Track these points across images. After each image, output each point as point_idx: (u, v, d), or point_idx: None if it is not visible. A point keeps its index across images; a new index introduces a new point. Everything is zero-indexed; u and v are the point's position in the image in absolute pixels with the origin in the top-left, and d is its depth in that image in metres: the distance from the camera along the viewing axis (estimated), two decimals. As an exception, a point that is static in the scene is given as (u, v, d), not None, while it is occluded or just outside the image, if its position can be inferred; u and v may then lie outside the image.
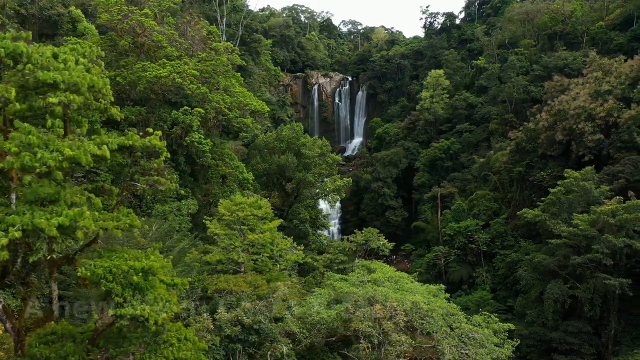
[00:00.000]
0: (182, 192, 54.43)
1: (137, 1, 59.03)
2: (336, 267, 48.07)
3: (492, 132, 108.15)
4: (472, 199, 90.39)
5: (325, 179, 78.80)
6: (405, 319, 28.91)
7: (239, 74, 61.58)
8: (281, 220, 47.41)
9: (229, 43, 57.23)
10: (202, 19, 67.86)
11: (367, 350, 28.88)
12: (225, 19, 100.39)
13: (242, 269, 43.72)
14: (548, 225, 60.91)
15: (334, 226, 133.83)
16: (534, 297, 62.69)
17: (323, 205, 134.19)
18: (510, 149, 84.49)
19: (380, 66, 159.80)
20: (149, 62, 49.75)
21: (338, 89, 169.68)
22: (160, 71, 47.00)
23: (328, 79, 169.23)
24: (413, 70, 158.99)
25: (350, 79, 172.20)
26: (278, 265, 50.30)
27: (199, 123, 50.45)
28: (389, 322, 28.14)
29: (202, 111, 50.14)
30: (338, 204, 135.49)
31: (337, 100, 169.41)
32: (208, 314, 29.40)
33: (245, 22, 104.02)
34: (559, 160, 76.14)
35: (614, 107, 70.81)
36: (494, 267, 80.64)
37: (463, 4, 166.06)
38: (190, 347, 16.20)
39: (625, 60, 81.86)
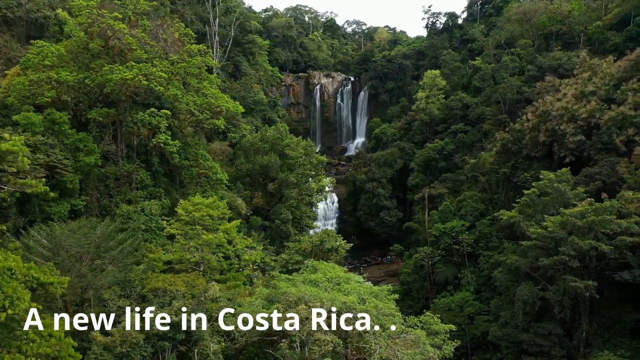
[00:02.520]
0: (154, 191, 55.52)
1: (114, 4, 60.06)
2: (290, 267, 48.63)
3: (486, 132, 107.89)
4: (460, 199, 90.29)
5: (310, 180, 79.24)
6: (325, 319, 29.29)
7: (213, 76, 62.28)
8: (239, 221, 48.16)
9: (202, 45, 57.99)
10: (178, 21, 68.66)
11: (293, 350, 29.35)
12: (218, 20, 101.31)
13: (202, 269, 44.55)
14: (521, 226, 60.91)
15: (332, 226, 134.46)
16: (507, 299, 62.69)
17: (321, 205, 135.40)
18: (496, 149, 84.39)
19: (382, 66, 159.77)
20: (117, 64, 50.76)
21: (340, 89, 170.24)
22: (126, 73, 47.96)
23: (330, 79, 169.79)
24: (415, 70, 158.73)
25: (352, 79, 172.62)
26: (251, 266, 51.15)
27: (166, 124, 51.30)
28: (312, 322, 28.59)
29: (169, 113, 51.03)
30: (336, 204, 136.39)
31: (339, 101, 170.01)
32: (137, 312, 30.10)
33: (238, 23, 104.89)
34: (543, 162, 75.76)
35: (596, 108, 70.36)
36: (479, 268, 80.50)
37: (465, 4, 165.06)
38: (53, 343, 16.88)
39: (616, 61, 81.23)
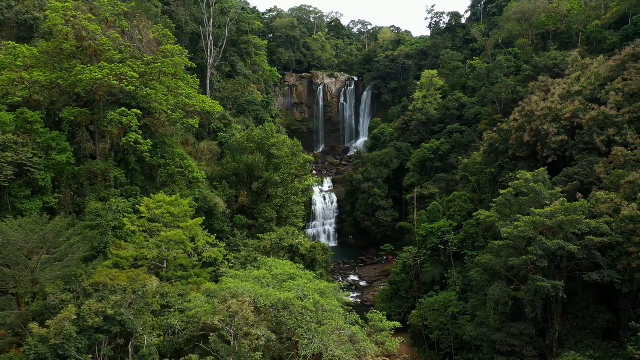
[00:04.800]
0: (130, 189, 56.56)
1: (92, 6, 61.25)
2: (249, 265, 49.19)
3: (481, 132, 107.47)
4: (450, 199, 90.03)
5: (296, 179, 79.70)
6: (252, 313, 29.80)
7: (190, 77, 63.08)
8: (203, 218, 48.70)
9: (178, 46, 58.81)
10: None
11: (226, 343, 29.92)
12: (212, 20, 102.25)
13: (165, 265, 45.35)
14: (497, 226, 60.84)
15: (331, 226, 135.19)
16: (483, 299, 62.58)
17: (320, 204, 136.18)
18: (484, 149, 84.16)
19: (385, 66, 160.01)
20: (93, 65, 51.79)
21: (343, 89, 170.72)
22: (95, 74, 48.95)
23: (333, 79, 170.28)
24: (417, 70, 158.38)
25: (355, 79, 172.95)
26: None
27: (138, 123, 52.18)
28: (240, 317, 29.12)
29: (139, 112, 51.93)
30: (335, 204, 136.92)
31: (342, 101, 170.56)
32: (74, 305, 30.88)
33: (232, 23, 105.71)
34: (528, 162, 75.39)
35: (579, 108, 69.94)
36: (466, 268, 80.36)
37: (469, 3, 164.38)
38: None
39: (607, 60, 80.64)
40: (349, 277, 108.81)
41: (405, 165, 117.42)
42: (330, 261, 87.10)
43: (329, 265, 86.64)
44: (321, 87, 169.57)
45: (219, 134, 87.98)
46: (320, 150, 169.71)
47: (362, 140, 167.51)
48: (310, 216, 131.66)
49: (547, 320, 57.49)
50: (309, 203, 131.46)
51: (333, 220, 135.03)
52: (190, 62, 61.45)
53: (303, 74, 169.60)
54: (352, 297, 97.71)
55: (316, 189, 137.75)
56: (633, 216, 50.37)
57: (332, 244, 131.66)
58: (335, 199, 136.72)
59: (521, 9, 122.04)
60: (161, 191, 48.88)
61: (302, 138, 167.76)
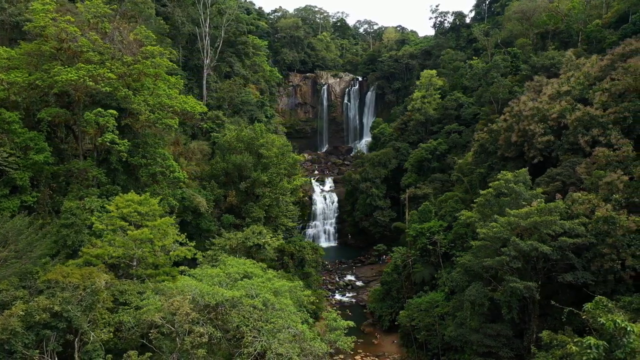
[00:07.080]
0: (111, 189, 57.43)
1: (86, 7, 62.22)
2: (213, 264, 49.68)
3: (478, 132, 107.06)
4: (442, 200, 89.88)
5: (285, 179, 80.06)
6: (193, 310, 30.27)
7: (172, 77, 63.79)
8: (172, 218, 49.30)
9: (158, 47, 59.54)
10: (136, 21, 70.31)
11: (171, 341, 30.43)
12: (209, 21, 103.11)
13: (135, 263, 46.05)
14: (476, 226, 60.74)
15: (331, 226, 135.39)
16: (462, 299, 62.47)
17: (320, 204, 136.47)
18: (474, 150, 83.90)
19: (389, 66, 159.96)
20: (69, 66, 52.70)
21: (347, 89, 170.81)
22: (70, 75, 49.82)
23: (338, 79, 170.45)
24: (421, 70, 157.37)
25: (360, 79, 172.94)
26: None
27: (115, 123, 52.98)
28: (181, 313, 29.62)
29: (115, 113, 52.71)
30: (335, 204, 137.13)
31: (346, 101, 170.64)
32: (22, 301, 31.59)
33: (228, 24, 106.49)
34: (516, 162, 75.10)
35: (566, 108, 69.50)
36: (455, 268, 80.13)
37: (474, 2, 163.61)
38: None
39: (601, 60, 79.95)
40: (345, 277, 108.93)
41: (403, 165, 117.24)
42: (320, 260, 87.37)
43: (318, 264, 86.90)
44: (325, 87, 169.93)
45: (212, 134, 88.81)
46: (324, 150, 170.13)
47: (365, 140, 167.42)
48: (310, 216, 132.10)
49: (524, 322, 57.23)
50: (310, 203, 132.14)
51: (333, 220, 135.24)
52: (171, 63, 62.19)
53: (307, 74, 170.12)
54: (348, 296, 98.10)
55: (317, 189, 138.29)
56: (607, 217, 50.04)
57: (332, 243, 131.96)
58: (335, 198, 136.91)
59: (521, 8, 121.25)
60: (131, 191, 49.44)
61: (306, 138, 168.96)
